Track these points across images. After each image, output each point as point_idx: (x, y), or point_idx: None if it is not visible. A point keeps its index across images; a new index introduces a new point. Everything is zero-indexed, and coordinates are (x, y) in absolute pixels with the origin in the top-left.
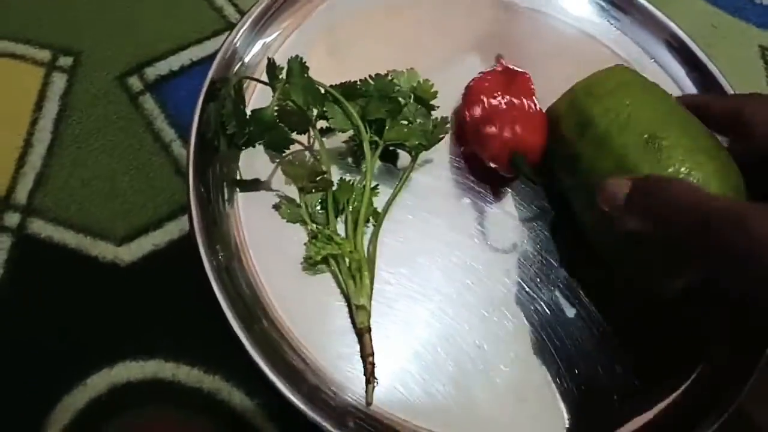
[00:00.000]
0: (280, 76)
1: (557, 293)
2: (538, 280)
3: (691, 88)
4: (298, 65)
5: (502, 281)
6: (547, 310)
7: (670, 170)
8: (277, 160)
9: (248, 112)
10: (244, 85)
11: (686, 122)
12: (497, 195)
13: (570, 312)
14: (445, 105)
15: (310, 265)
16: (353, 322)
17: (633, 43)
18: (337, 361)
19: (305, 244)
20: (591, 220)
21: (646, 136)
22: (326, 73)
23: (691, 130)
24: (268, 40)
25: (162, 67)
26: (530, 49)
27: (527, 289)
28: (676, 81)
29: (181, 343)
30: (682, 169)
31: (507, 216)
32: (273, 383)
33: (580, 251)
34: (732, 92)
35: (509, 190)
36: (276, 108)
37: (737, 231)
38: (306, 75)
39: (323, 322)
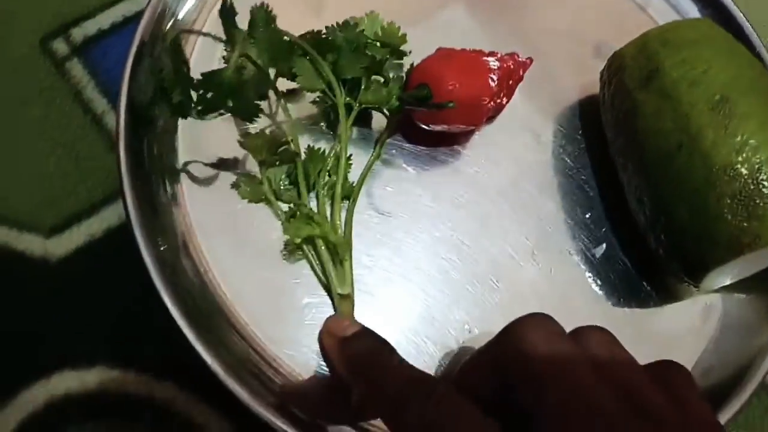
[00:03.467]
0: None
1: (549, 261)
2: (527, 247)
3: None
4: (264, 14)
5: (487, 252)
6: (538, 278)
7: (736, 139)
8: (229, 131)
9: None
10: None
11: None
12: (473, 158)
13: (563, 279)
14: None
15: (289, 252)
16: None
17: None
18: (309, 361)
19: (280, 225)
20: (640, 187)
21: (718, 97)
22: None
23: None
24: None
25: (90, 27)
26: None
27: (516, 258)
28: (686, 17)
29: (127, 347)
30: (751, 141)
31: (488, 180)
32: (236, 393)
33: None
34: (752, 29)
35: (482, 151)
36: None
37: None
38: (273, 26)
39: (288, 316)
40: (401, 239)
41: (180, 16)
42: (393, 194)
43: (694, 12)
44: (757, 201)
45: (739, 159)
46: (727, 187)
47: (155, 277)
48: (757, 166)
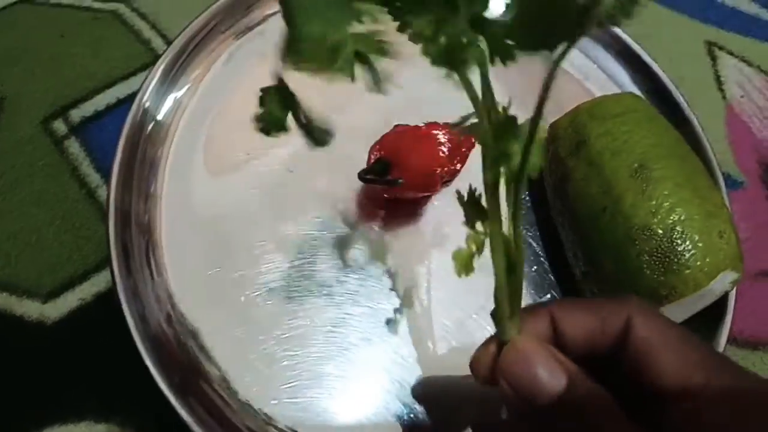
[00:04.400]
0: None
1: None
2: (478, 300)
3: (636, 92)
4: None
5: (441, 305)
6: (489, 328)
7: (652, 202)
8: (205, 200)
9: None
10: None
11: (685, 159)
12: (431, 219)
13: None
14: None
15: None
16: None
17: (576, 49)
18: (285, 412)
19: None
20: (574, 243)
21: (636, 165)
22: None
23: (687, 167)
24: (179, 93)
25: (87, 108)
26: None
27: (468, 311)
28: (621, 86)
29: (111, 403)
30: (665, 204)
31: (443, 239)
32: None
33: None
34: (678, 92)
35: (440, 212)
36: None
37: None
38: None
39: (263, 371)
40: (372, 296)
41: (159, 119)
42: (363, 253)
43: (627, 82)
44: (672, 257)
45: (655, 220)
46: (645, 244)
47: (136, 337)
48: (670, 227)
